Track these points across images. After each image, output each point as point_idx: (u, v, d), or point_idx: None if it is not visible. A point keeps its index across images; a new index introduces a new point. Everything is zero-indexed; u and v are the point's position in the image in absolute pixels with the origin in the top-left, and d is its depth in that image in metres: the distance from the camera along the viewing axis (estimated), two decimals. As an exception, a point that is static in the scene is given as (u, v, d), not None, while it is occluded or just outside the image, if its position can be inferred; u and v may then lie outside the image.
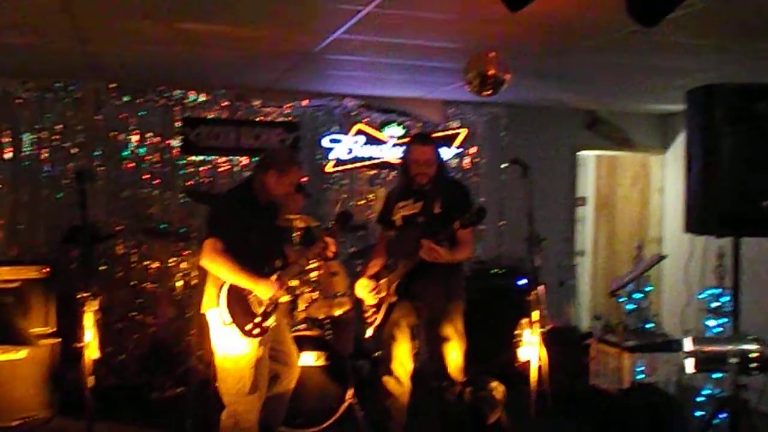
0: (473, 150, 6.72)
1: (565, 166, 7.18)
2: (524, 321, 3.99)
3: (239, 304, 3.63)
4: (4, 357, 4.61)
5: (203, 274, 3.74)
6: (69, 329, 5.04)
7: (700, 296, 4.58)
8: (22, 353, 4.68)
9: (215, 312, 3.63)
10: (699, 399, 4.31)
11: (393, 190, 4.41)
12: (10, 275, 4.75)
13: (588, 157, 7.95)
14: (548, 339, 5.40)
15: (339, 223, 4.03)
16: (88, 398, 3.39)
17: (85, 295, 3.34)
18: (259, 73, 5.56)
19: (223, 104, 6.09)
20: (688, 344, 3.44)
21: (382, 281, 4.16)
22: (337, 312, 4.99)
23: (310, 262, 3.96)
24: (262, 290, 3.65)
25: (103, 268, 5.72)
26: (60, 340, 4.89)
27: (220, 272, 3.59)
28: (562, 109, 6.95)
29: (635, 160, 7.87)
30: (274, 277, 3.73)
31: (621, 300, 5.18)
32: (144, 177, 5.90)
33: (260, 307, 3.67)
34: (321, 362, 4.60)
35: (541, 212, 6.79)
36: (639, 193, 7.90)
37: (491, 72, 3.90)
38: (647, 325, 5.12)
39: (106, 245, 5.67)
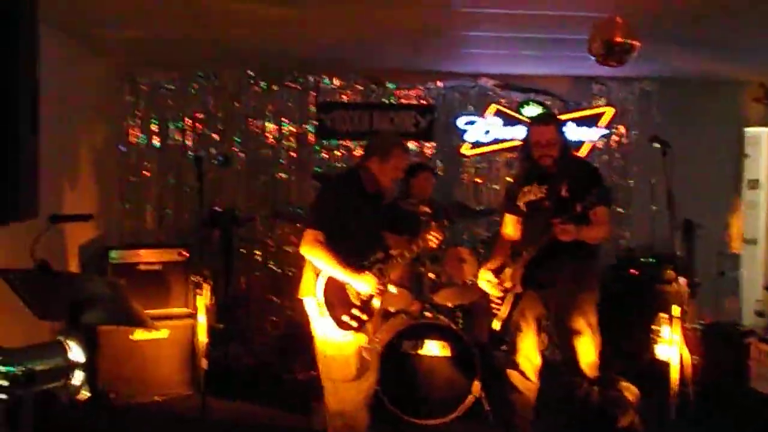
0: (622, 129, 6.27)
1: (730, 145, 6.53)
2: (663, 316, 3.63)
3: (337, 294, 3.55)
4: (148, 336, 4.89)
5: (302, 258, 3.66)
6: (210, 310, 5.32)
7: None
8: (164, 332, 4.94)
9: (312, 300, 3.56)
10: None
11: (517, 175, 4.19)
12: (152, 258, 5.02)
13: (761, 134, 7.19)
14: (703, 336, 4.98)
15: (451, 215, 3.82)
16: (201, 379, 3.47)
17: (197, 278, 3.42)
18: (392, 53, 5.48)
19: (357, 88, 6.09)
20: None
21: (506, 270, 3.95)
22: (467, 300, 4.82)
23: (413, 253, 3.77)
24: (360, 284, 3.55)
25: (243, 251, 5.90)
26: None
27: (319, 263, 3.51)
28: (724, 82, 6.33)
29: (817, 137, 7.01)
30: (372, 271, 3.60)
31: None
32: (281, 161, 6.03)
33: (358, 299, 3.57)
34: (447, 352, 4.47)
35: (701, 196, 6.32)
36: (821, 175, 7.04)
37: (618, 39, 3.57)
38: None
39: (246, 229, 5.83)
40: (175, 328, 4.97)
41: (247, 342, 5.69)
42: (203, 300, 3.36)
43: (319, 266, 3.52)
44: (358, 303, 3.57)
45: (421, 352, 4.47)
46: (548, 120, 3.96)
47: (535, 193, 3.89)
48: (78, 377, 2.61)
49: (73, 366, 2.58)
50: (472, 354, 4.44)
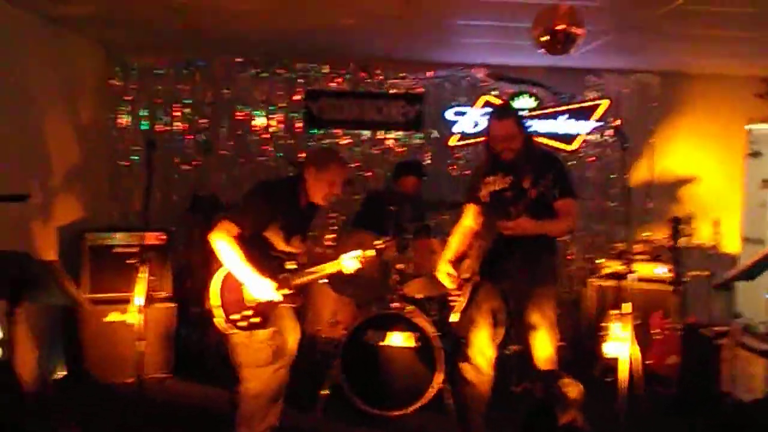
0: (618, 123, 6.14)
1: (733, 142, 6.35)
2: (613, 313, 3.55)
3: (233, 291, 3.58)
4: (122, 317, 4.96)
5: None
6: (188, 294, 5.39)
7: None
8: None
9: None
10: None
11: (480, 165, 4.13)
12: (129, 241, 5.08)
13: (771, 131, 7.00)
14: (682, 336, 4.89)
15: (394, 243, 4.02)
16: (139, 361, 3.52)
17: (134, 261, 3.46)
18: (382, 42, 5.44)
19: (346, 76, 6.08)
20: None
21: (465, 261, 3.92)
22: (436, 292, 4.79)
23: (322, 275, 3.82)
24: (254, 289, 3.54)
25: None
26: (176, 304, 5.22)
27: (221, 255, 3.51)
28: (727, 77, 6.15)
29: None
30: (277, 278, 3.63)
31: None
32: (267, 149, 6.05)
33: (253, 302, 3.58)
34: (411, 343, 4.45)
35: (699, 193, 6.19)
36: (834, 174, 6.82)
37: (560, 27, 3.48)
38: (802, 328, 4.39)
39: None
40: (153, 311, 4.93)
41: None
42: (141, 282, 3.40)
43: (222, 257, 3.51)
44: (251, 305, 3.58)
45: (384, 342, 4.46)
46: (506, 114, 3.88)
47: (498, 183, 3.84)
48: (-1, 354, 2.68)
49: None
50: (436, 346, 4.41)
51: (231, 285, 3.58)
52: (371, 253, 3.86)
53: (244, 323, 3.57)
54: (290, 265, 3.68)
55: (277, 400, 3.79)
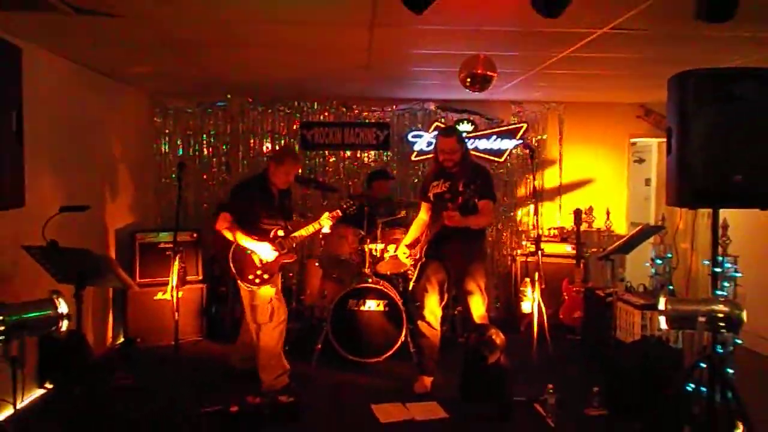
0: (534, 141, 6.25)
1: (620, 152, 6.47)
2: (527, 280, 3.65)
3: (243, 260, 3.80)
4: (165, 296, 4.99)
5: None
6: (216, 277, 5.43)
7: (705, 263, 3.94)
8: (180, 293, 5.03)
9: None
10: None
11: (429, 172, 4.23)
12: (169, 238, 5.10)
13: (653, 144, 7.14)
14: (584, 297, 5.01)
15: (341, 209, 4.09)
16: (175, 328, 3.58)
17: (169, 252, 3.53)
18: (357, 84, 5.50)
19: (331, 110, 6.13)
20: (662, 303, 2.96)
21: (417, 246, 4.02)
22: (401, 270, 4.85)
23: (308, 233, 4.03)
24: (261, 251, 3.79)
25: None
26: (206, 285, 5.28)
27: (228, 235, 3.78)
28: (614, 103, 6.27)
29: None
30: (273, 243, 3.87)
31: (646, 264, 4.61)
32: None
33: (260, 263, 3.81)
34: (381, 308, 4.53)
35: (596, 190, 6.32)
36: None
37: (479, 71, 3.57)
38: (669, 287, 4.50)
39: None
40: (188, 290, 5.10)
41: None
42: (175, 269, 3.48)
43: (229, 236, 3.79)
44: (259, 265, 3.81)
45: (362, 308, 4.54)
46: (451, 132, 4.00)
47: (440, 187, 3.95)
48: (65, 325, 2.71)
49: (62, 317, 2.68)
50: (401, 309, 4.49)
51: (240, 255, 3.81)
52: (337, 212, 4.06)
53: (258, 280, 3.80)
54: (280, 232, 3.92)
55: (281, 349, 3.95)
